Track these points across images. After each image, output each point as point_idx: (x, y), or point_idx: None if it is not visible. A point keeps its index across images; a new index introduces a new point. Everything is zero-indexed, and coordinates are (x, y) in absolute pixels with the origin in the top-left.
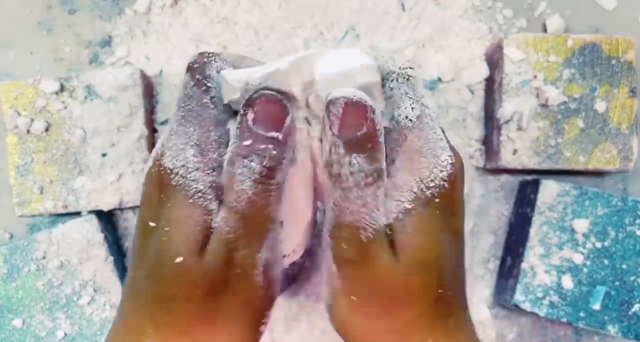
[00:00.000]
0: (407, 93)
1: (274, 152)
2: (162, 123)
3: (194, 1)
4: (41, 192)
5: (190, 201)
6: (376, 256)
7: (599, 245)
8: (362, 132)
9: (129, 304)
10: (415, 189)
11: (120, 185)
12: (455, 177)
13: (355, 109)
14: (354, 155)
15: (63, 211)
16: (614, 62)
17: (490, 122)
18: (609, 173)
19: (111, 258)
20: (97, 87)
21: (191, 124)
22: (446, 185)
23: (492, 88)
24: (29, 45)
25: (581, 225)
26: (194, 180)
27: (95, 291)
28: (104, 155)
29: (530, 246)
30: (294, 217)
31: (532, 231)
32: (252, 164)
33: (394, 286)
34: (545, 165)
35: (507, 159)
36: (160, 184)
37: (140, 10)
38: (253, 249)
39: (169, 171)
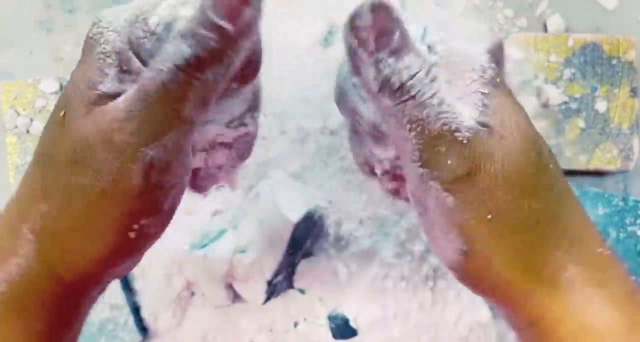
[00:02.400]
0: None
1: (213, 43)
2: None
3: (194, 2)
4: None
5: (94, 57)
6: (486, 152)
7: None
8: (399, 33)
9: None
10: (477, 75)
11: None
12: (499, 51)
13: (383, 13)
14: (405, 57)
15: None
16: (614, 62)
17: None
18: (609, 173)
19: None
20: None
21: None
22: (496, 62)
23: None
24: (29, 45)
25: None
26: (105, 39)
27: None
28: None
29: None
30: None
31: None
32: (181, 46)
33: (520, 179)
34: None
35: None
36: (85, 40)
37: None
38: (140, 141)
39: (94, 21)
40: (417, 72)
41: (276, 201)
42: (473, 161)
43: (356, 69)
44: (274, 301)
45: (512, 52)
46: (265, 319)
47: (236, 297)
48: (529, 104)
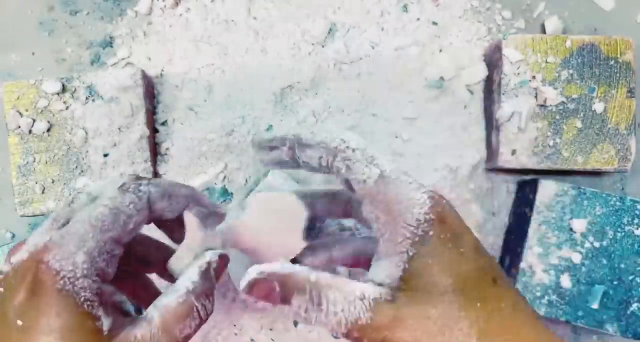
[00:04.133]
0: (351, 168)
1: (212, 299)
2: (163, 123)
3: (195, 2)
4: (43, 192)
5: (80, 309)
6: (388, 316)
7: (597, 244)
8: (279, 288)
9: None
10: (408, 235)
11: None
12: (442, 207)
13: (259, 285)
14: (292, 302)
15: None
16: (612, 62)
17: (489, 122)
18: (607, 173)
19: None
20: (98, 87)
21: (91, 230)
22: (432, 217)
23: (490, 88)
24: (31, 46)
25: (579, 225)
26: (82, 287)
27: None
28: (105, 155)
29: (529, 245)
30: None
31: (531, 231)
32: (207, 304)
33: (426, 326)
34: (543, 166)
35: (505, 159)
36: (38, 285)
37: (142, 12)
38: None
39: (54, 272)
40: (305, 307)
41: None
42: (383, 330)
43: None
44: None
45: (510, 53)
46: (266, 318)
47: (236, 296)
48: (527, 104)
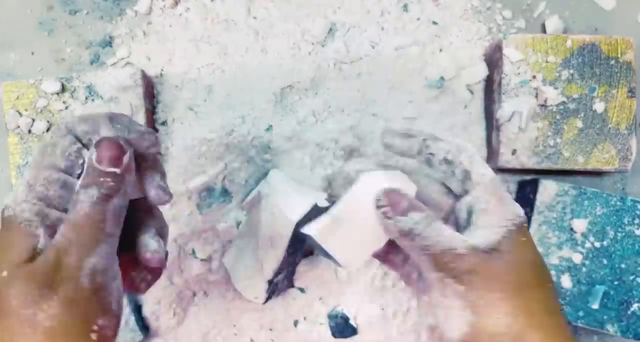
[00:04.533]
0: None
1: (112, 183)
2: (163, 123)
3: (195, 2)
4: None
5: (19, 226)
6: (484, 260)
7: (597, 245)
8: (405, 201)
9: None
10: (510, 217)
11: None
12: (525, 227)
13: (392, 194)
14: (409, 214)
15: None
16: (612, 62)
17: (490, 122)
18: (607, 173)
19: None
20: (98, 87)
21: (28, 169)
22: (525, 224)
23: (491, 88)
24: (30, 46)
25: (580, 225)
26: (21, 210)
27: None
28: None
29: None
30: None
31: (531, 231)
32: (91, 191)
33: (513, 278)
34: (544, 165)
35: (506, 159)
36: (2, 224)
37: (141, 11)
38: (82, 255)
39: (3, 208)
40: (418, 220)
41: (276, 200)
42: (471, 265)
43: (386, 230)
44: (274, 300)
45: (511, 53)
46: (266, 318)
47: (237, 296)
48: (527, 104)
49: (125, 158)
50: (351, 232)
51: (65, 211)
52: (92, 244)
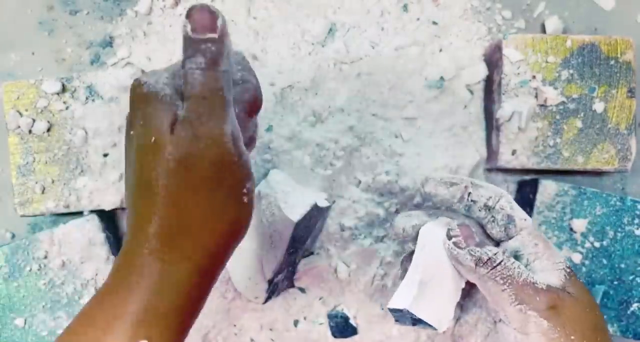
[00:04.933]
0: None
1: (213, 48)
2: None
3: (195, 2)
4: (43, 192)
5: (161, 100)
6: (562, 295)
7: (597, 244)
8: (477, 238)
9: (126, 200)
10: (563, 260)
11: (122, 185)
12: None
13: (465, 228)
14: (485, 247)
15: (64, 211)
16: (612, 62)
17: (489, 122)
18: (607, 173)
19: (112, 257)
20: (98, 87)
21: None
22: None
23: (491, 88)
24: (31, 46)
25: (580, 225)
26: (162, 87)
27: (96, 290)
28: (105, 155)
29: None
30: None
31: None
32: (197, 59)
33: (588, 318)
34: (544, 166)
35: (506, 159)
36: (137, 95)
37: (142, 11)
38: (219, 121)
39: (143, 82)
40: (497, 252)
41: (276, 200)
42: (554, 300)
43: (455, 261)
44: (274, 300)
45: (511, 53)
46: (266, 317)
47: (237, 295)
48: (527, 104)
49: (219, 21)
50: (435, 290)
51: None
52: (221, 112)
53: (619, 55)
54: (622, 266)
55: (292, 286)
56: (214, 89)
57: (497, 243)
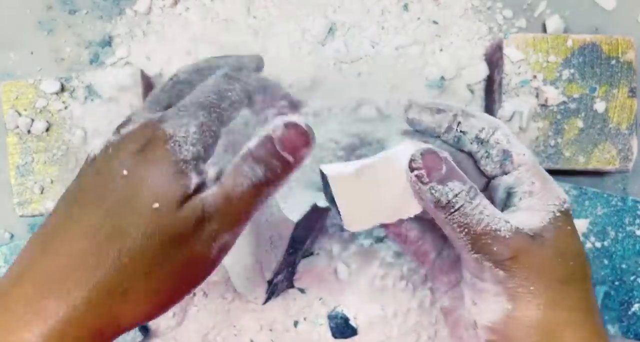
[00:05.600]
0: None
1: (279, 170)
2: None
3: (194, 1)
4: (42, 192)
5: (176, 165)
6: (526, 247)
7: (598, 245)
8: (445, 167)
9: (71, 235)
10: (557, 202)
11: None
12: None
13: (430, 156)
14: (449, 183)
15: None
16: (613, 62)
17: None
18: (608, 173)
19: None
20: (97, 87)
21: (201, 109)
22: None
23: (491, 88)
24: (30, 46)
25: (581, 225)
26: (186, 150)
27: None
28: None
29: None
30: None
31: None
32: (257, 168)
33: (557, 269)
34: (544, 166)
35: None
36: (150, 143)
37: (141, 11)
38: (222, 228)
39: (167, 136)
40: (459, 193)
41: (276, 200)
42: (515, 250)
43: (417, 197)
44: (274, 301)
45: (511, 53)
46: (266, 318)
47: (236, 296)
48: (528, 104)
49: (306, 150)
50: (370, 193)
51: (203, 159)
52: (235, 224)
53: (620, 55)
54: (623, 266)
55: (292, 286)
56: (247, 203)
57: (490, 179)
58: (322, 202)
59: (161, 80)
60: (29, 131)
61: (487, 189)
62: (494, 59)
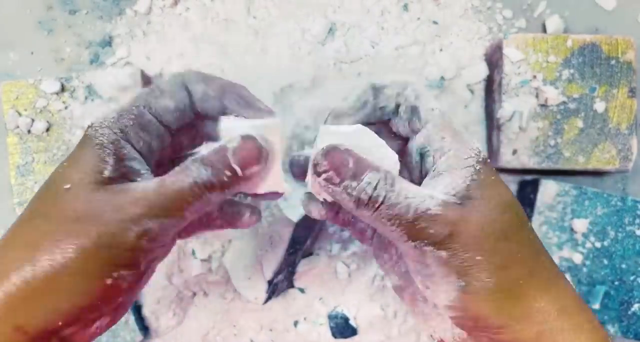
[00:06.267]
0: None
1: (226, 180)
2: None
3: (194, 1)
4: None
5: (94, 147)
6: (461, 216)
7: (598, 245)
8: (352, 161)
9: (16, 222)
10: (473, 154)
11: None
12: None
13: (333, 153)
14: (363, 177)
15: None
16: (613, 62)
17: (490, 122)
18: (608, 173)
19: None
20: (97, 87)
21: (128, 102)
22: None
23: (491, 88)
24: (30, 46)
25: (581, 225)
26: (102, 134)
27: None
28: None
29: None
30: None
31: None
32: (203, 171)
33: (498, 230)
34: (544, 165)
35: (506, 159)
36: (81, 138)
37: (141, 11)
38: (146, 215)
39: (89, 125)
40: (377, 183)
41: (276, 201)
42: (450, 225)
43: (335, 200)
44: (274, 301)
45: (511, 53)
46: (266, 318)
47: (237, 296)
48: (528, 104)
49: (256, 168)
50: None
51: (139, 152)
52: (160, 215)
53: (619, 55)
54: (623, 266)
55: (292, 286)
56: (181, 201)
57: (406, 141)
58: None
59: (161, 80)
60: (29, 131)
61: (405, 155)
62: (494, 59)
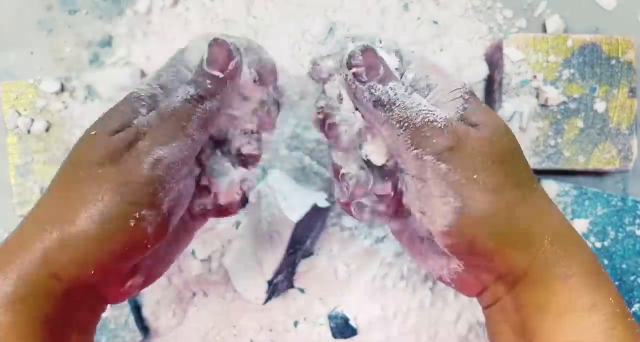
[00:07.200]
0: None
1: (209, 86)
2: None
3: (194, 1)
4: (42, 192)
5: (131, 99)
6: (462, 132)
7: (598, 245)
8: (382, 67)
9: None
10: (460, 86)
11: None
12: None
13: (370, 54)
14: (389, 83)
15: None
16: (613, 62)
17: None
18: (608, 173)
19: None
20: (97, 87)
21: (169, 60)
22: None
23: (491, 88)
24: (30, 46)
25: (581, 225)
26: (141, 89)
27: None
28: None
29: None
30: None
31: None
32: (188, 88)
33: (496, 150)
34: (545, 165)
35: None
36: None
37: (141, 11)
38: (154, 143)
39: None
40: (397, 92)
41: (276, 201)
42: (452, 138)
43: (353, 96)
44: (274, 301)
45: (511, 53)
46: (266, 318)
47: (237, 296)
48: (528, 104)
49: (231, 64)
50: None
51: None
52: (167, 137)
53: (620, 55)
54: (623, 266)
55: (292, 286)
56: (179, 118)
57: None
58: (322, 202)
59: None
60: (28, 131)
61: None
62: (494, 59)
